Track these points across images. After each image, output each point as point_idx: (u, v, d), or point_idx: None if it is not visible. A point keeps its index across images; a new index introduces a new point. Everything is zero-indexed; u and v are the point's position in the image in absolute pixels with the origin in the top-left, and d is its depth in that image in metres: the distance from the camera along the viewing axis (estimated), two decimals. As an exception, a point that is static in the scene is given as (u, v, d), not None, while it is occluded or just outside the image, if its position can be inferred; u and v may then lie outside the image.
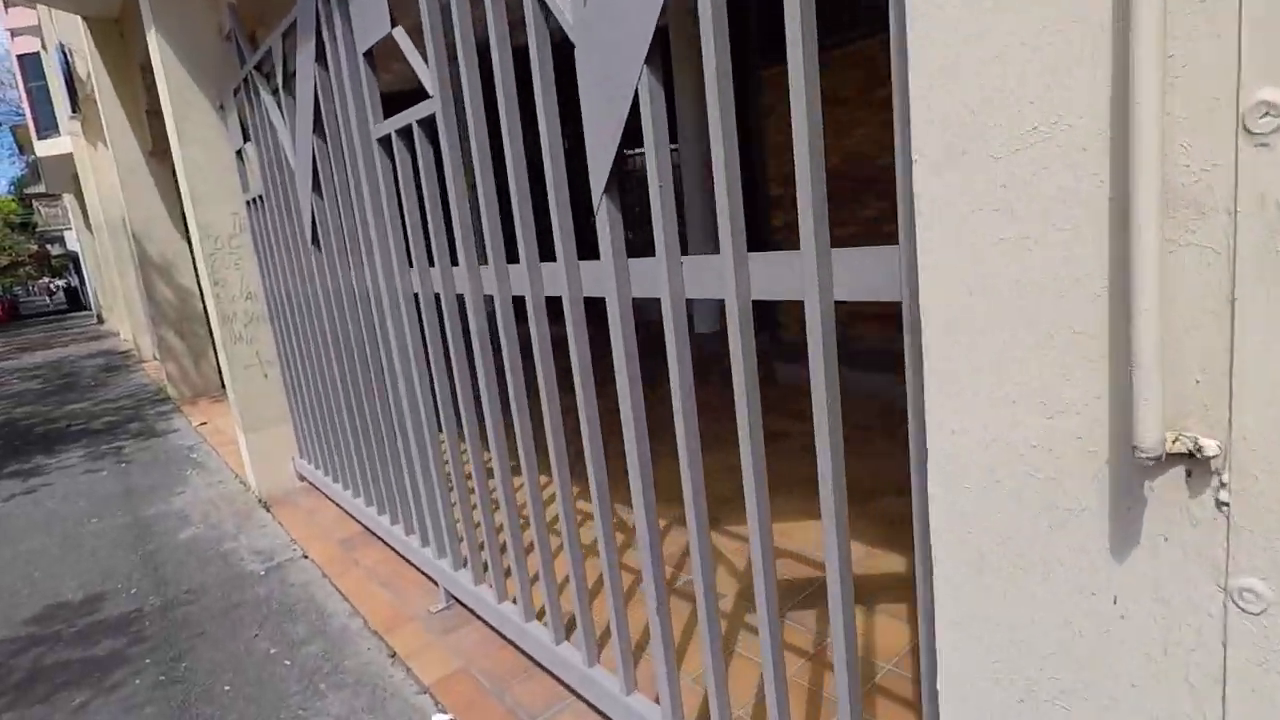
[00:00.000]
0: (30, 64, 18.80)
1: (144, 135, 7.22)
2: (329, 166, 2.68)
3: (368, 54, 2.18)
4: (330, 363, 3.24)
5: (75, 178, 17.23)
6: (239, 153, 3.79)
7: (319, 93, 2.57)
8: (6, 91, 30.91)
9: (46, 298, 52.89)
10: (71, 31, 10.81)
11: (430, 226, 2.11)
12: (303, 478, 4.16)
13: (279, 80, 2.94)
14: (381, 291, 2.49)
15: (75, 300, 37.08)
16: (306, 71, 2.61)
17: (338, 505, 3.66)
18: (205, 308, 7.84)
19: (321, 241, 2.94)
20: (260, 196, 3.55)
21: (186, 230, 7.48)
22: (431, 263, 2.18)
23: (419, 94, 1.92)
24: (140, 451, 5.52)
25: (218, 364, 7.78)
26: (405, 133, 2.13)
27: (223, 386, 7.93)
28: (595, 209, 1.47)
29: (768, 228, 6.10)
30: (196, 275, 7.68)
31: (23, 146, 27.87)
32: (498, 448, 2.09)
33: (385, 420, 2.79)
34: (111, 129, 7.17)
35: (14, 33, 18.26)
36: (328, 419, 3.47)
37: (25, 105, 19.47)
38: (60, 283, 49.33)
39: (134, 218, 7.31)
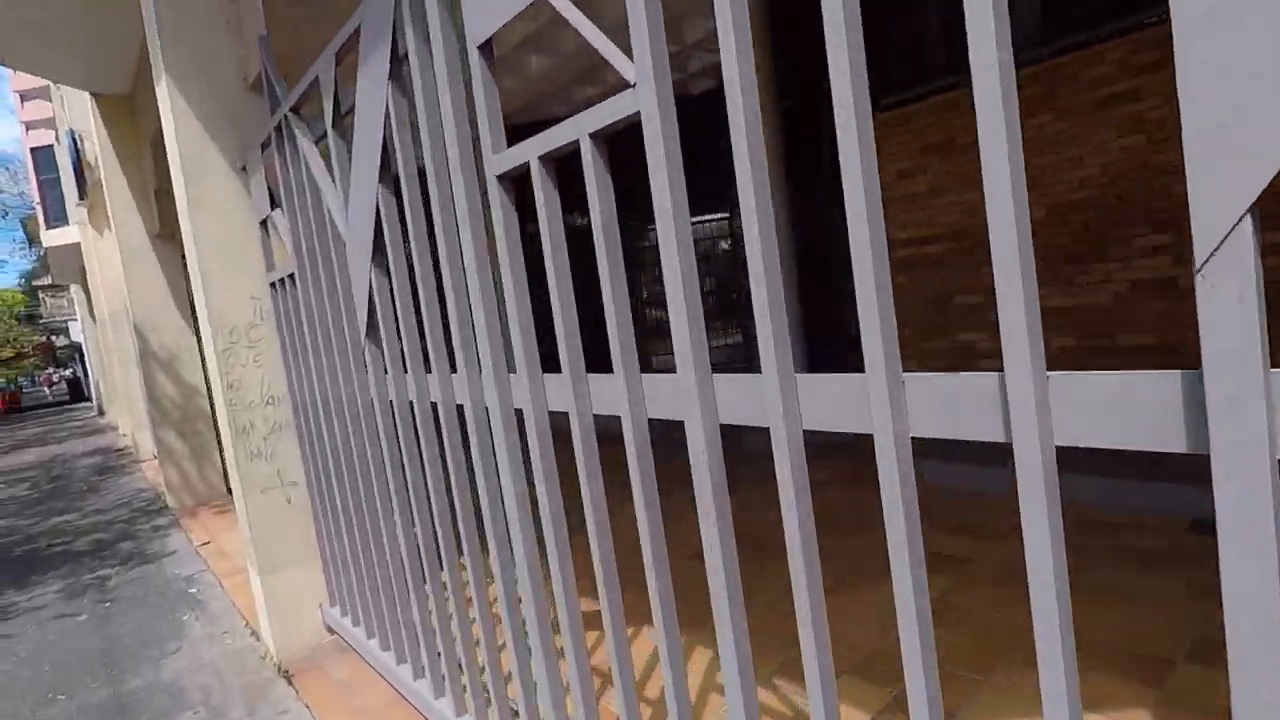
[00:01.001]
0: (43, 157, 18.72)
1: (150, 216, 6.57)
2: (402, 226, 1.90)
3: (486, 47, 1.41)
4: (377, 488, 2.39)
5: (81, 269, 16.80)
6: (264, 223, 3.04)
7: (391, 125, 1.81)
8: (20, 185, 31.13)
9: (47, 389, 52.30)
10: (82, 118, 10.44)
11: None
12: (332, 630, 3.23)
13: (327, 121, 2.21)
14: (479, 401, 1.66)
15: (77, 391, 36.42)
16: (374, 98, 1.86)
17: (382, 676, 2.72)
18: (212, 408, 7.05)
19: (382, 330, 2.13)
20: (291, 275, 2.78)
21: (194, 320, 6.74)
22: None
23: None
24: (128, 585, 4.58)
25: (223, 467, 6.91)
26: (549, 161, 1.34)
27: (228, 492, 7.03)
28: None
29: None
30: (204, 371, 6.91)
31: (33, 239, 27.79)
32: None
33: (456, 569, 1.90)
34: (116, 209, 6.54)
35: (29, 126, 18.22)
36: (372, 559, 2.59)
37: (36, 197, 19.29)
38: (65, 373, 48.83)
39: (136, 306, 6.58)
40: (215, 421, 6.88)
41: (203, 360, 6.81)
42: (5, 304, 29.75)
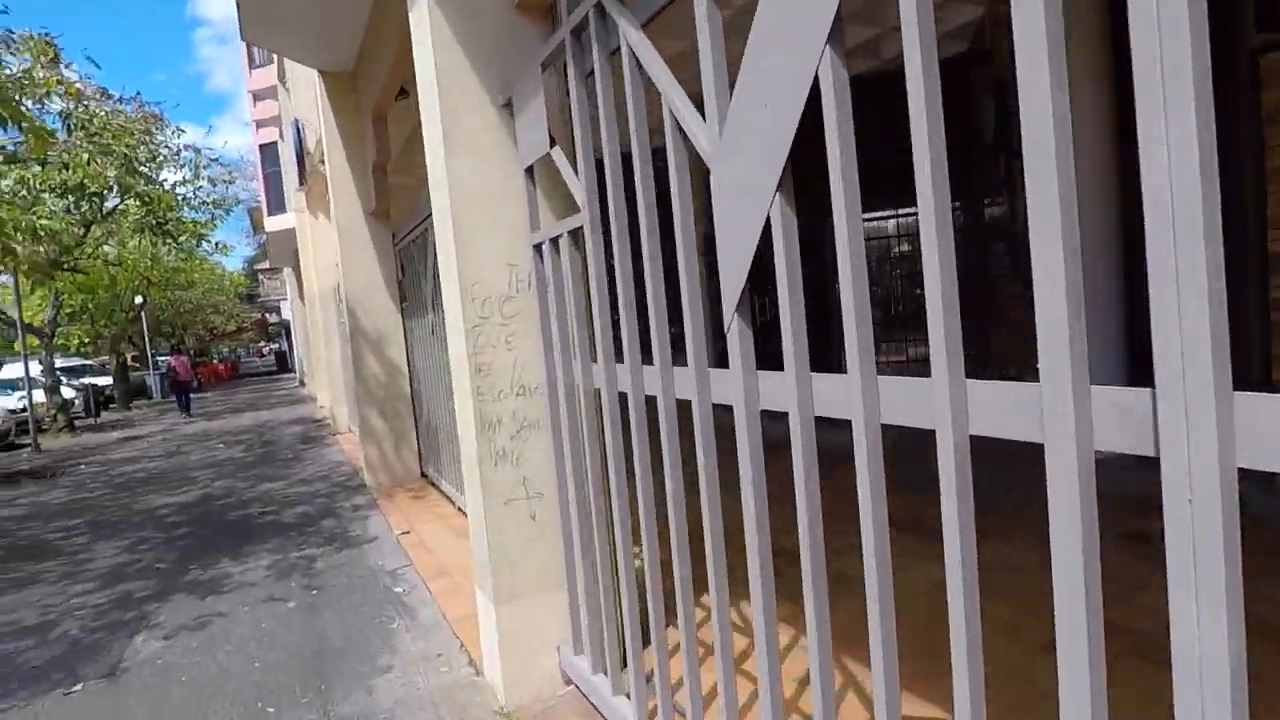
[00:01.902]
0: (269, 153, 20.52)
1: (367, 193, 6.49)
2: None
3: None
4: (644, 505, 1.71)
5: (295, 252, 18.18)
6: (530, 170, 2.48)
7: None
8: (248, 183, 34.80)
9: (258, 359, 58.92)
10: (305, 108, 10.96)
11: None
12: (570, 681, 2.62)
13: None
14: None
15: (283, 363, 40.45)
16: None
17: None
18: (412, 391, 6.93)
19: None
20: (574, 232, 2.18)
21: (402, 299, 6.61)
22: None
23: None
24: (333, 571, 4.31)
25: (419, 450, 6.74)
26: None
27: (423, 476, 6.87)
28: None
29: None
30: (408, 353, 6.78)
31: (256, 227, 31.02)
32: None
33: None
34: (336, 185, 6.52)
35: (258, 124, 20.04)
36: (621, 594, 1.91)
37: (261, 190, 21.22)
38: (273, 346, 54.74)
39: (349, 283, 6.53)
40: (414, 404, 6.73)
41: (406, 341, 6.67)
42: (231, 284, 33.46)
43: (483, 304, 2.53)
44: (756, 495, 1.53)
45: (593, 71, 1.95)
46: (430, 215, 5.06)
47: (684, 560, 1.86)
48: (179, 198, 10.18)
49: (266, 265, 32.72)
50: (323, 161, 10.84)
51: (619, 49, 1.85)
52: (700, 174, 1.61)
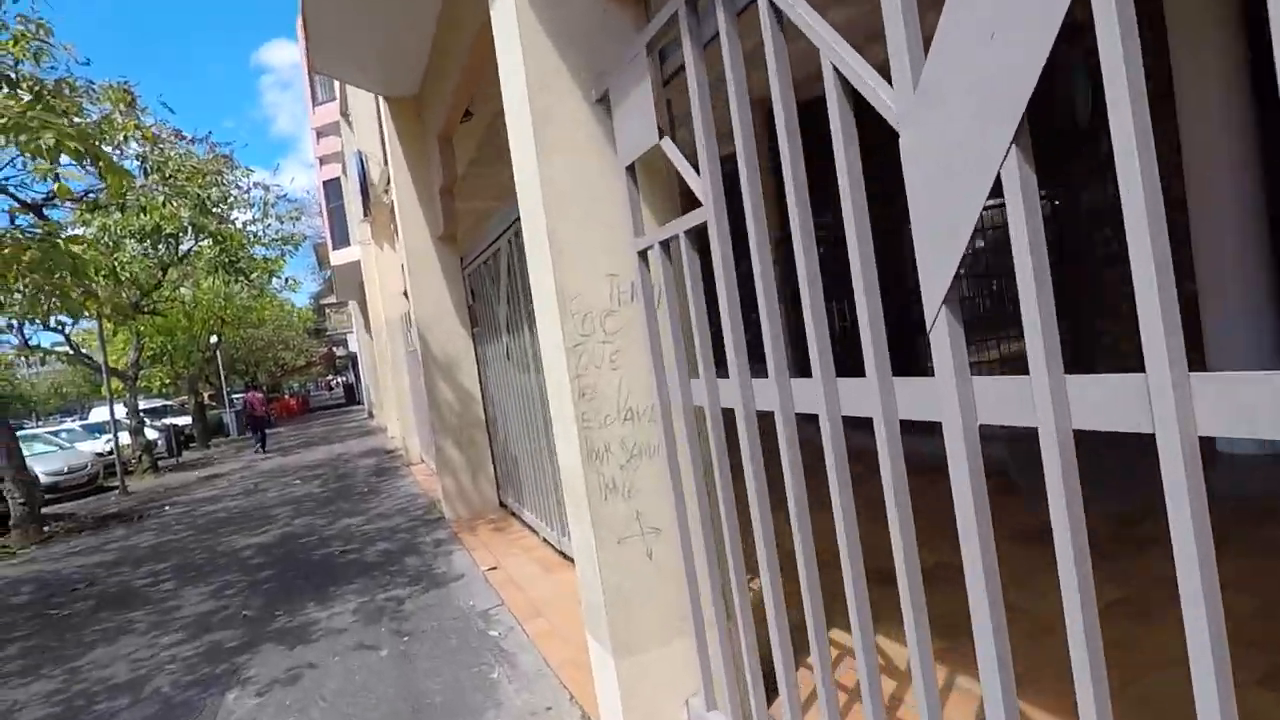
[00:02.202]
0: (332, 188, 21.06)
1: (434, 217, 6.38)
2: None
3: None
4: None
5: (360, 285, 18.53)
6: (631, 169, 2.21)
7: None
8: (313, 220, 35.92)
9: (327, 392, 60.73)
10: (368, 139, 11.10)
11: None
12: (704, 742, 2.30)
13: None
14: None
15: (351, 395, 41.49)
16: None
17: None
18: (486, 417, 6.77)
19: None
20: (696, 230, 1.90)
21: (472, 323, 6.45)
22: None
23: None
24: (423, 614, 4.10)
25: (495, 479, 6.55)
26: None
27: (501, 505, 6.68)
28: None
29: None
30: (479, 378, 6.62)
31: (322, 262, 32.00)
32: None
33: None
34: (402, 211, 6.43)
35: (322, 160, 20.60)
36: (747, 637, 1.58)
37: (325, 225, 21.79)
38: (340, 379, 56.36)
39: (419, 308, 6.42)
40: (489, 431, 6.55)
41: (479, 367, 6.51)
42: (300, 320, 34.54)
43: (583, 320, 2.26)
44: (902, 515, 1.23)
45: (715, 36, 1.67)
46: (502, 236, 4.90)
47: (815, 594, 1.53)
48: (249, 235, 10.40)
49: (332, 300, 33.68)
50: (386, 191, 10.95)
51: (748, 6, 1.57)
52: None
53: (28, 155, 3.47)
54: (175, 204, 9.15)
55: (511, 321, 4.95)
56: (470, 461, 6.49)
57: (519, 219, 4.24)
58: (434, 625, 3.90)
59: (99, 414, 22.51)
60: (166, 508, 10.29)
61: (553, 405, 2.47)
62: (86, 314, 8.54)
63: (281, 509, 8.57)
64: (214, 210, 9.70)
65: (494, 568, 4.74)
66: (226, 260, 9.86)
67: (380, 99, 6.59)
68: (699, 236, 1.95)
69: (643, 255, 2.20)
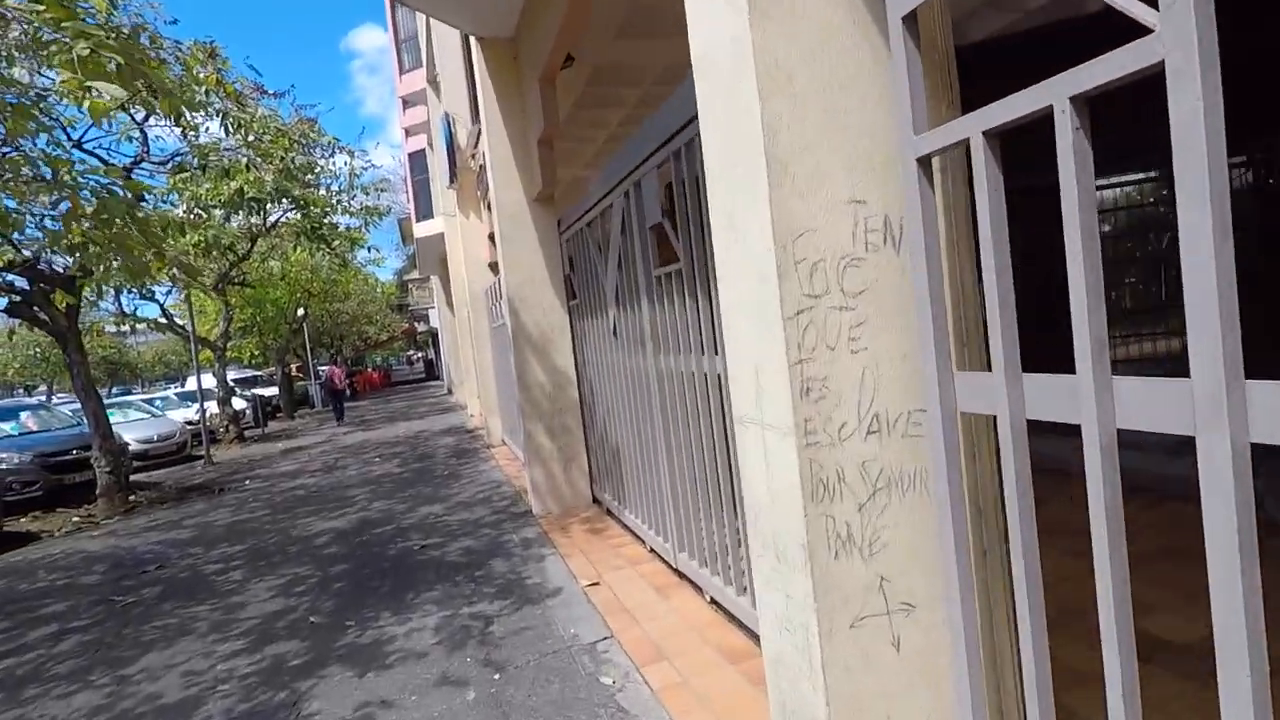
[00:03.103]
0: (417, 161, 20.83)
1: (530, 173, 5.64)
2: None
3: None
4: None
5: (442, 259, 18.23)
6: (912, 19, 1.33)
7: None
8: (399, 195, 36.24)
9: (408, 366, 62.20)
10: (457, 101, 10.50)
11: None
12: None
13: None
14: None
15: (431, 371, 42.08)
16: None
17: None
18: (580, 397, 6.04)
19: None
20: (1000, 132, 1.01)
21: (569, 296, 5.70)
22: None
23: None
24: (516, 641, 3.37)
25: (590, 471, 5.81)
26: None
27: (595, 503, 5.95)
28: None
29: None
30: (575, 356, 5.88)
31: (405, 238, 32.22)
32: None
33: None
34: (495, 167, 5.71)
35: (407, 131, 20.36)
36: None
37: (410, 198, 21.62)
38: (419, 354, 57.53)
39: (510, 277, 5.70)
40: (585, 419, 5.80)
41: (575, 344, 5.76)
42: (383, 294, 35.02)
43: (811, 272, 1.41)
44: None
45: None
46: (618, 187, 4.08)
47: None
48: (334, 202, 10.02)
49: (415, 275, 33.96)
50: (474, 155, 10.35)
51: None
52: None
53: (55, 67, 2.88)
54: (259, 168, 8.76)
55: (624, 292, 4.14)
56: (563, 451, 5.77)
57: (651, 157, 3.42)
58: (531, 660, 3.16)
59: (193, 383, 23.30)
60: (247, 481, 10.08)
61: (743, 405, 1.63)
62: (152, 279, 8.24)
63: (360, 490, 8.12)
64: (298, 176, 9.30)
65: (595, 583, 3.99)
66: (309, 227, 9.50)
67: (472, 43, 5.87)
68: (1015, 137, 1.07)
69: (925, 164, 1.32)
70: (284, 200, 8.98)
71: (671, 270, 3.35)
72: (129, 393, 30.80)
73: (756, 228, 1.43)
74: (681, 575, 3.85)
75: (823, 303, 1.41)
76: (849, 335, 1.43)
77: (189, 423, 15.48)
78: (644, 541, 4.50)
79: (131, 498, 9.61)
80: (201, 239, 11.25)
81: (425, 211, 18.65)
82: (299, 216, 9.77)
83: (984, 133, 1.17)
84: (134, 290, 13.19)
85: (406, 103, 19.46)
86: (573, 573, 4.22)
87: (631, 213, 3.81)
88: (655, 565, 4.16)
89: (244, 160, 8.34)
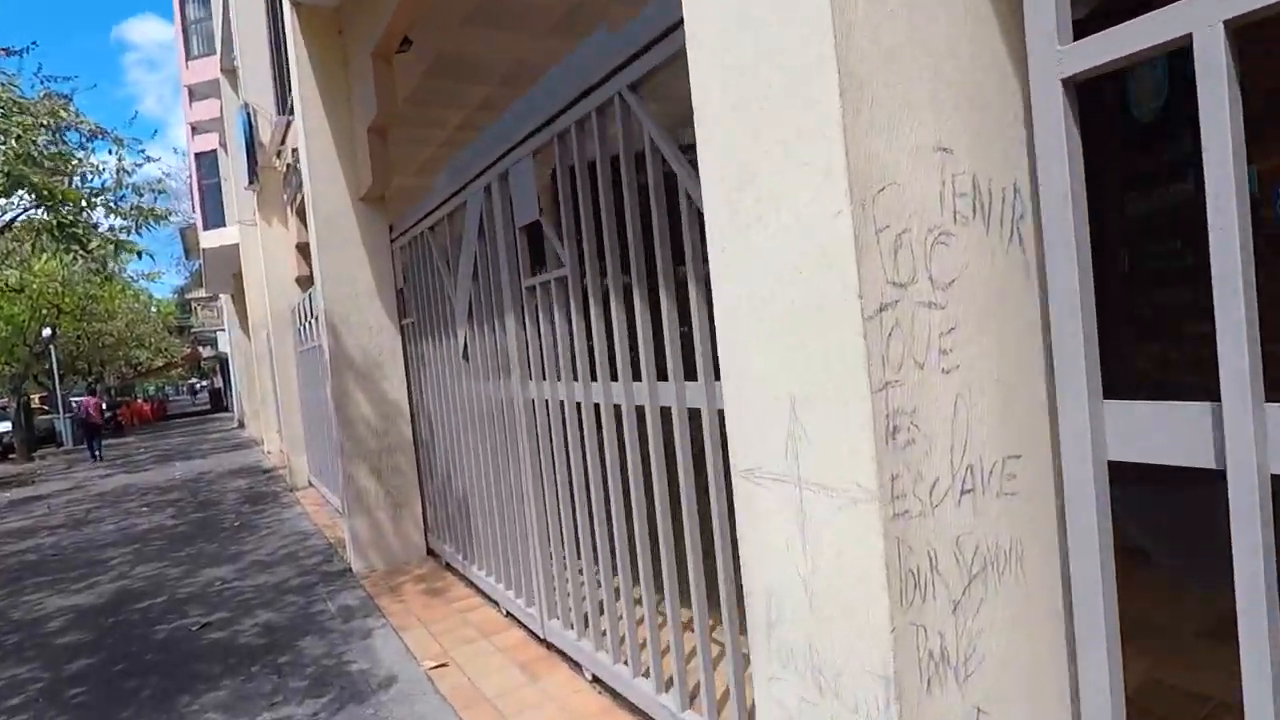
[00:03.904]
0: (206, 162, 18.39)
1: (355, 168, 4.78)
2: None
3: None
4: None
5: (237, 275, 16.06)
6: None
7: None
8: (180, 203, 31.98)
9: (190, 397, 54.96)
10: (258, 92, 9.18)
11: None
12: None
13: None
14: None
15: (218, 401, 37.26)
16: None
17: None
18: (414, 432, 5.10)
19: None
20: None
21: (402, 314, 4.88)
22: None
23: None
24: (342, 762, 2.54)
25: (424, 520, 4.97)
26: None
27: (430, 555, 5.08)
28: None
29: None
30: (410, 386, 5.02)
31: (190, 251, 28.34)
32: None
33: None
34: (313, 162, 4.78)
35: (194, 128, 17.91)
36: None
37: (196, 204, 18.97)
38: (204, 383, 51.05)
39: (329, 291, 4.77)
40: (419, 458, 4.97)
41: (409, 372, 4.92)
42: (159, 313, 30.55)
43: (895, 248, 0.92)
44: None
45: None
46: (480, 178, 3.40)
47: None
48: (94, 200, 8.18)
49: (201, 293, 30.00)
50: (279, 154, 9.03)
51: None
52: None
53: None
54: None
55: (480, 307, 3.47)
56: (392, 496, 4.88)
57: (527, 140, 2.79)
58: (363, 789, 2.36)
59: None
60: (-46, 543, 7.84)
61: (757, 454, 1.10)
62: None
63: (118, 551, 6.52)
64: (41, 163, 7.48)
65: (442, 664, 3.22)
66: (56, 224, 7.62)
67: (285, 10, 4.92)
68: None
69: (1070, 87, 0.88)
70: (20, 191, 7.15)
71: (551, 278, 2.76)
72: None
73: (814, 179, 0.91)
74: (551, 647, 3.20)
75: (909, 296, 0.92)
76: (940, 346, 0.95)
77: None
78: (498, 604, 3.78)
79: None
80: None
81: (215, 220, 16.36)
82: (43, 214, 7.86)
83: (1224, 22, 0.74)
84: None
85: (194, 94, 17.09)
86: (411, 651, 3.40)
87: (495, 211, 3.18)
88: (516, 634, 3.47)
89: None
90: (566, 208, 2.59)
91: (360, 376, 4.82)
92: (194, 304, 33.24)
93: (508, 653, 3.26)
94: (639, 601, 2.51)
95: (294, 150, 7.88)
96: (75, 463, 16.66)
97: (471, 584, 4.20)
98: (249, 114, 9.00)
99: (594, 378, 2.58)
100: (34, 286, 15.50)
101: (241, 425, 20.74)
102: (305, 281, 8.59)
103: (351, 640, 3.64)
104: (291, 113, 8.00)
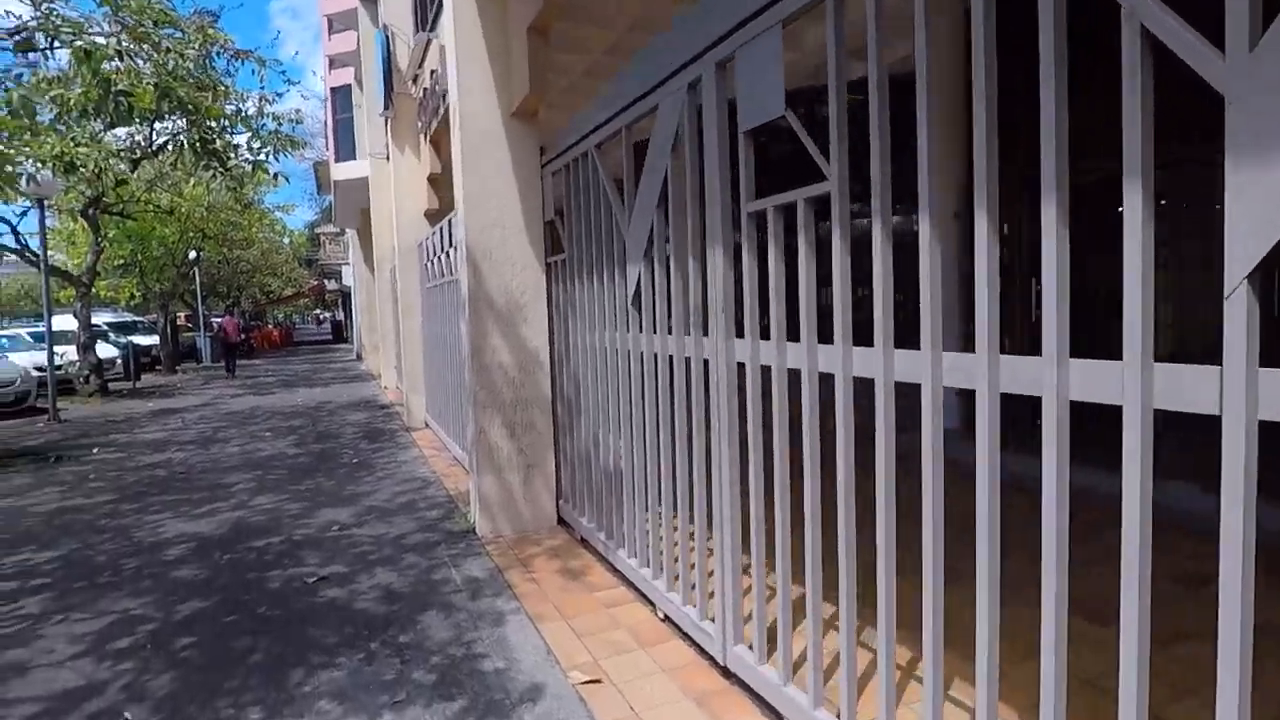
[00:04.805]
0: (341, 96, 18.56)
1: (510, 74, 4.14)
2: None
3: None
4: None
5: (364, 211, 16.18)
6: None
7: None
8: (315, 141, 32.99)
9: (314, 326, 58.22)
10: (400, 11, 8.75)
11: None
12: None
13: None
14: None
15: (339, 333, 39.03)
16: None
17: None
18: (557, 386, 4.39)
19: None
20: None
21: (551, 249, 4.26)
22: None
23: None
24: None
25: (558, 485, 4.41)
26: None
27: (560, 523, 4.54)
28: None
29: None
30: (552, 333, 4.43)
31: (321, 186, 29.30)
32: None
33: None
34: (460, 66, 4.16)
35: (331, 61, 18.05)
36: None
37: (330, 139, 19.27)
38: (327, 314, 53.79)
39: (472, 219, 4.20)
40: (555, 415, 4.39)
41: (552, 317, 4.31)
42: (292, 244, 31.96)
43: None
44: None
45: None
46: (660, 89, 2.65)
47: None
48: (235, 114, 8.04)
49: (329, 228, 31.17)
50: (416, 79, 8.61)
51: None
52: None
53: None
54: (134, 57, 6.77)
55: (674, 238, 2.75)
56: (524, 455, 4.33)
57: (769, 8, 2.01)
58: None
59: (62, 321, 20.09)
60: (95, 449, 8.06)
61: None
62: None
63: (241, 476, 6.39)
64: (186, 78, 7.32)
65: (595, 680, 2.60)
66: (199, 138, 7.55)
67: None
68: None
69: None
70: (166, 104, 7.00)
71: (799, 198, 1.99)
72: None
73: None
74: (733, 678, 2.52)
75: None
76: None
77: (39, 369, 12.94)
78: (653, 604, 3.14)
79: (-65, 461, 7.48)
80: (65, 151, 9.06)
81: (347, 153, 16.48)
82: (186, 126, 7.76)
83: None
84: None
85: (332, 25, 17.15)
86: (553, 653, 2.82)
87: (704, 114, 2.43)
88: (680, 649, 2.82)
89: (111, 43, 6.36)
90: (838, 95, 1.81)
91: (500, 319, 4.25)
92: (322, 238, 34.66)
93: (674, 676, 2.61)
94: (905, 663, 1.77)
95: (432, 72, 7.39)
96: (211, 379, 17.53)
97: (614, 569, 3.59)
98: (387, 37, 8.59)
99: (866, 342, 1.81)
100: (182, 210, 16.14)
101: (359, 358, 21.35)
102: (434, 216, 8.20)
103: (481, 626, 3.10)
104: (432, 28, 7.49)
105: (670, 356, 2.82)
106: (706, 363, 2.55)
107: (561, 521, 4.43)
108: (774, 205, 2.12)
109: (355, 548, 4.23)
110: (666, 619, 3.03)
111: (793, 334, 2.10)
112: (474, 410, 4.27)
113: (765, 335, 2.22)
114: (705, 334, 2.55)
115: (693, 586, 2.83)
